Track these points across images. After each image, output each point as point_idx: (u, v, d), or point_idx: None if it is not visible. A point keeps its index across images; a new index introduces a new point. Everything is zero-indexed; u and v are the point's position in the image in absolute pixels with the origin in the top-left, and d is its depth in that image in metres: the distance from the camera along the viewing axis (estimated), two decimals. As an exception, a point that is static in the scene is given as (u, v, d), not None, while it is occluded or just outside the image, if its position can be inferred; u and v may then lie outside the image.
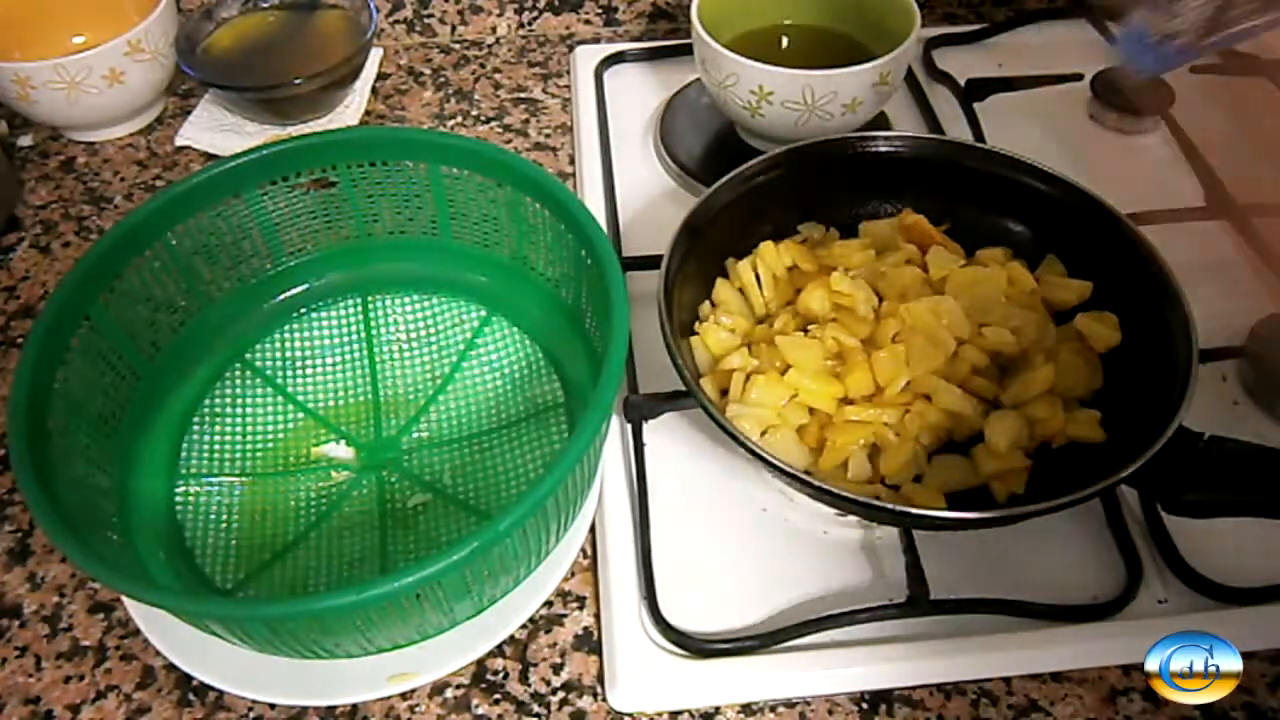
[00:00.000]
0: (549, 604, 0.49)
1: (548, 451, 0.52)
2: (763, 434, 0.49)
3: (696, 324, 0.54)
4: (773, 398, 0.48)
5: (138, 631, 0.46)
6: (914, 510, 0.43)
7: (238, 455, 0.53)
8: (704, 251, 0.55)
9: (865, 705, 0.45)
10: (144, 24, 0.70)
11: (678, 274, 0.52)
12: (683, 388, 0.52)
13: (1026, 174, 0.56)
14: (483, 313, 0.58)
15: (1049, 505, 0.43)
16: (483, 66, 0.81)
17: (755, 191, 0.57)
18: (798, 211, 0.59)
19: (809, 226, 0.59)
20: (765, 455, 0.44)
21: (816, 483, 0.44)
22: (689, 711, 0.45)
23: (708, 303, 0.55)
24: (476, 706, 0.45)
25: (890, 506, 0.44)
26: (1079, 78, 0.74)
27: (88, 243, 0.67)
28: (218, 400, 0.55)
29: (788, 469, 0.44)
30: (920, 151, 0.58)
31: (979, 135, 0.70)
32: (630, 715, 0.45)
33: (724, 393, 0.50)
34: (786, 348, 0.50)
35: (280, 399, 0.55)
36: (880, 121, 0.70)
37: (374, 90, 0.79)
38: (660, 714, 0.45)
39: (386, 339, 0.58)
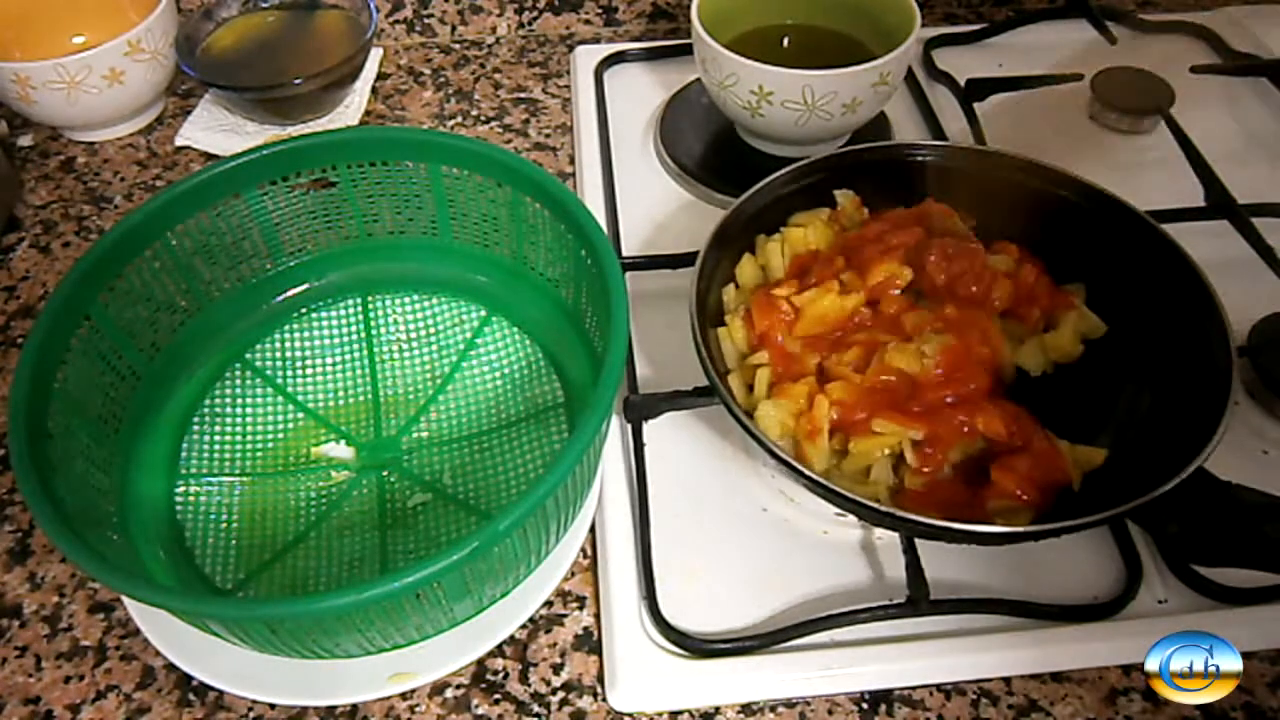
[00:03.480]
0: (549, 604, 0.49)
1: (548, 451, 0.52)
2: (781, 435, 0.48)
3: (725, 316, 0.53)
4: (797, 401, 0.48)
5: (138, 631, 0.46)
6: (955, 526, 0.42)
7: (238, 455, 0.53)
8: (733, 259, 0.54)
9: (865, 705, 0.45)
10: (144, 24, 0.70)
11: (709, 285, 0.51)
12: (683, 388, 0.52)
13: (1065, 188, 0.54)
14: (483, 313, 0.58)
15: (1054, 528, 0.42)
16: (483, 66, 0.81)
17: (786, 200, 0.56)
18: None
19: (844, 194, 0.57)
20: (788, 459, 0.44)
21: (840, 490, 0.43)
22: (689, 711, 0.45)
23: (731, 286, 0.54)
24: (476, 706, 0.45)
25: (926, 521, 0.43)
26: (1079, 78, 0.74)
27: (88, 243, 0.67)
28: (218, 400, 0.55)
29: (809, 474, 0.44)
30: (957, 161, 0.57)
31: (979, 135, 0.70)
32: (630, 715, 0.45)
33: (749, 388, 0.50)
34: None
35: (280, 399, 0.55)
36: (880, 121, 0.70)
37: (374, 90, 0.79)
38: (660, 714, 0.45)
39: (386, 339, 0.58)
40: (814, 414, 0.47)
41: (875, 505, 0.43)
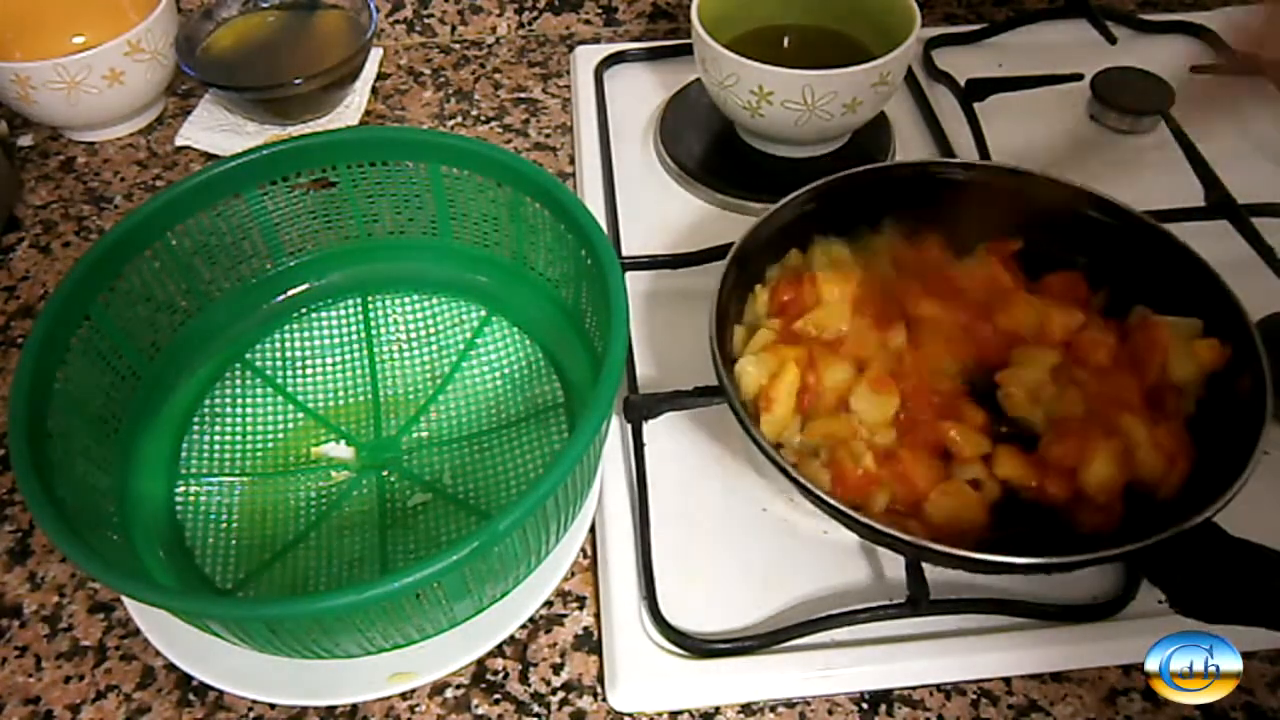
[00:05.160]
0: (549, 604, 0.49)
1: (548, 451, 0.52)
2: (754, 393, 0.49)
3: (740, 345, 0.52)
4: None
5: (138, 631, 0.46)
6: (956, 552, 0.42)
7: (238, 455, 0.53)
8: (752, 280, 0.54)
9: (865, 705, 0.45)
10: (144, 24, 0.70)
11: (728, 306, 0.51)
12: (683, 388, 0.52)
13: (1091, 206, 0.53)
14: (483, 313, 0.58)
15: (1052, 562, 0.42)
16: (483, 66, 0.81)
17: (806, 219, 0.55)
18: (848, 237, 0.57)
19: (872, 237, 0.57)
20: (788, 469, 0.44)
21: (842, 508, 0.43)
22: (689, 711, 0.45)
23: (762, 293, 0.53)
24: (476, 706, 0.45)
25: (929, 546, 0.42)
26: (1079, 78, 0.74)
27: (88, 243, 0.67)
28: (218, 400, 0.55)
29: (809, 486, 0.44)
30: (985, 179, 0.57)
31: (979, 135, 0.70)
32: (630, 715, 0.45)
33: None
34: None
35: (280, 399, 0.55)
36: (880, 121, 0.70)
37: (374, 90, 0.79)
38: (660, 714, 0.45)
39: (386, 339, 0.58)
40: (781, 380, 0.48)
41: (875, 525, 0.43)
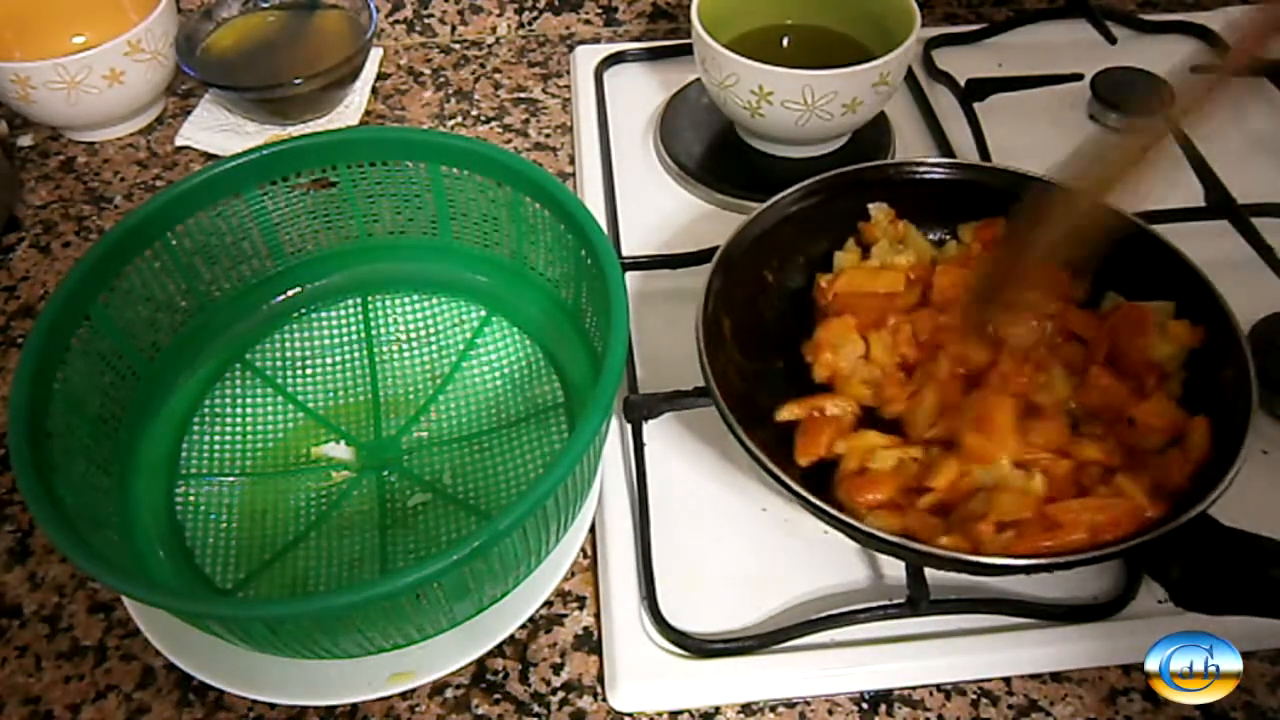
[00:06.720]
0: (549, 604, 0.49)
1: (548, 451, 0.52)
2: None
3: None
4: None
5: (138, 631, 0.46)
6: (949, 554, 0.42)
7: (238, 455, 0.53)
8: (740, 283, 0.53)
9: (865, 705, 0.45)
10: (144, 24, 0.70)
11: (715, 312, 0.50)
12: (683, 388, 0.52)
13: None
14: (483, 313, 0.58)
15: (1046, 563, 0.42)
16: (483, 66, 0.81)
17: (792, 220, 0.55)
18: (837, 239, 0.57)
19: (877, 207, 0.57)
20: (777, 473, 0.44)
21: (826, 508, 0.43)
22: (689, 711, 0.45)
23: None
24: (476, 706, 0.45)
25: (917, 548, 0.42)
26: (1079, 78, 0.74)
27: (88, 243, 0.68)
28: (218, 400, 0.55)
29: (796, 488, 0.44)
30: (968, 177, 0.57)
31: (979, 135, 0.70)
32: (630, 715, 0.45)
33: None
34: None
35: (280, 399, 0.55)
36: (880, 121, 0.70)
37: (374, 90, 0.79)
38: (660, 714, 0.45)
39: (386, 339, 0.58)
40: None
41: (862, 527, 0.43)
